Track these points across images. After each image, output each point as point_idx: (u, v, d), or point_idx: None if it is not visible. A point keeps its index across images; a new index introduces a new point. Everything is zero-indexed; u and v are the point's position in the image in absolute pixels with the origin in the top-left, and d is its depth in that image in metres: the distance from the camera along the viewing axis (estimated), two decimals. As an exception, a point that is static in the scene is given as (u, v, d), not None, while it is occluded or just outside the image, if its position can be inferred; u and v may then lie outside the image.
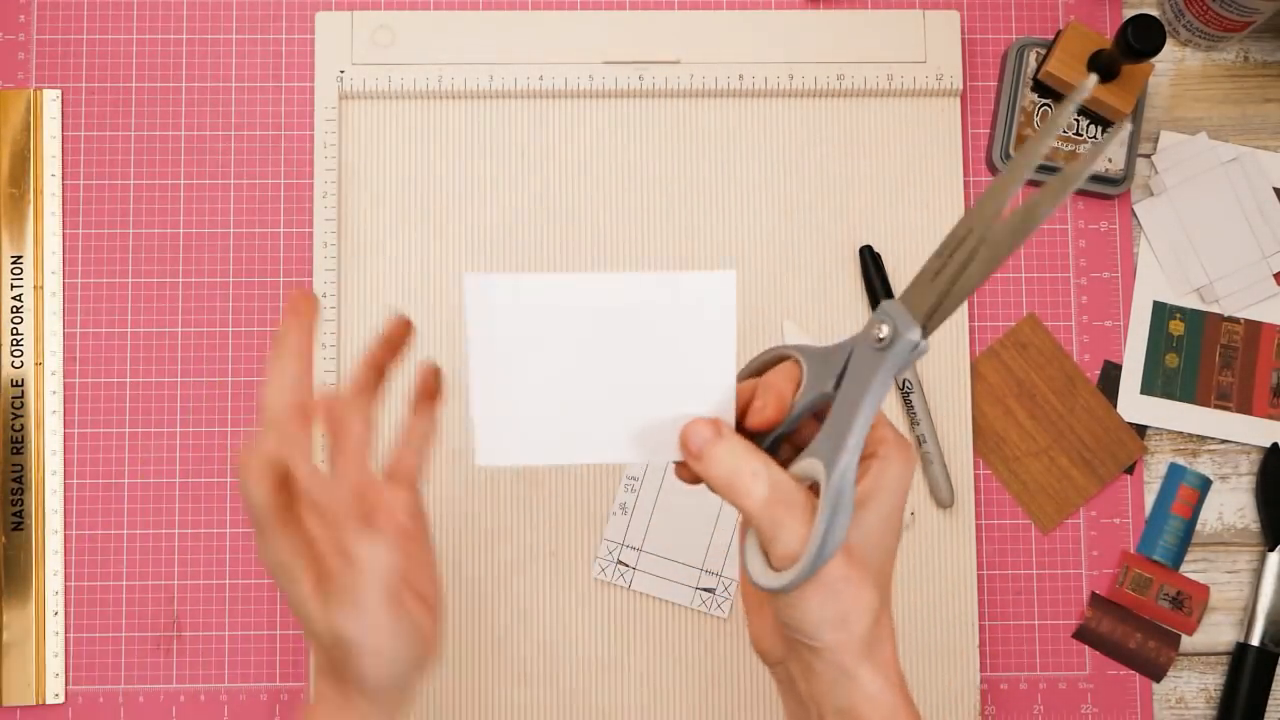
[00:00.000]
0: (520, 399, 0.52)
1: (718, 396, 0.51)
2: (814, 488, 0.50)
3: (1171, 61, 0.84)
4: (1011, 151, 0.81)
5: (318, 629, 0.52)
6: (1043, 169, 0.81)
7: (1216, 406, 0.81)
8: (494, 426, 0.52)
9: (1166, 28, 0.81)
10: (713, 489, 0.50)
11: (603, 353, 0.51)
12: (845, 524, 0.48)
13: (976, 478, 0.80)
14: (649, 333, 0.50)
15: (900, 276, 0.80)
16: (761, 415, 0.51)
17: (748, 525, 0.51)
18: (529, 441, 0.52)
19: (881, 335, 0.50)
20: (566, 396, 0.51)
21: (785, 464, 0.51)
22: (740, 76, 0.81)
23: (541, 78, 0.81)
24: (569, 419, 0.52)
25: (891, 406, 0.80)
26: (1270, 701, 0.79)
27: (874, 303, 0.80)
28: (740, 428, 0.52)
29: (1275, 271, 0.82)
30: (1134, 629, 0.80)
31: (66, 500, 0.78)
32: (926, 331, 0.49)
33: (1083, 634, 0.80)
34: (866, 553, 0.51)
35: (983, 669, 0.79)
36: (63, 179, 0.80)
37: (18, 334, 0.79)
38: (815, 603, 0.49)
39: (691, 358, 0.50)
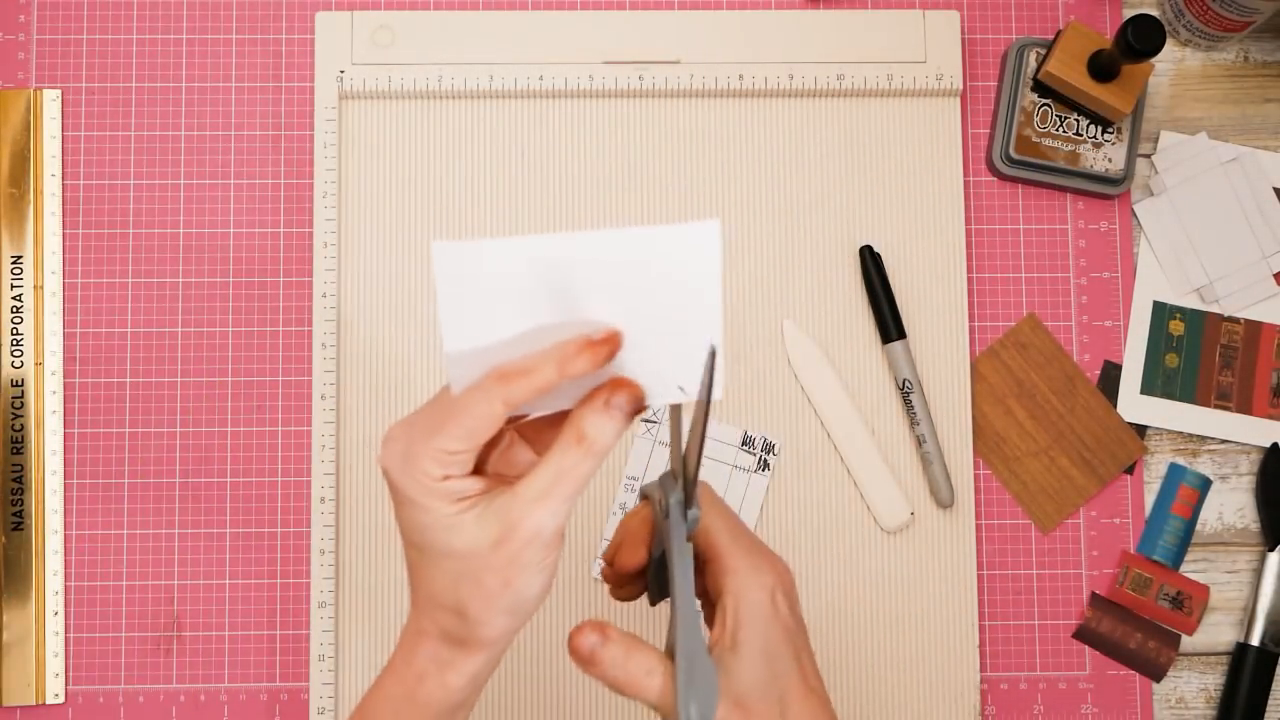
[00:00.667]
0: (496, 349, 0.50)
1: (701, 349, 0.49)
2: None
3: (1171, 61, 0.84)
4: (1012, 151, 0.81)
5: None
6: (1043, 169, 0.81)
7: (1216, 406, 0.81)
8: (466, 369, 0.51)
9: (1166, 28, 0.81)
10: (610, 687, 0.52)
11: (585, 314, 0.49)
12: (710, 697, 0.49)
13: (976, 478, 0.80)
14: (631, 289, 0.48)
15: (900, 276, 0.80)
16: (629, 561, 0.55)
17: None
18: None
19: (658, 501, 0.52)
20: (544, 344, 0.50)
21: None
22: (740, 76, 0.81)
23: (541, 78, 0.81)
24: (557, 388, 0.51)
25: (891, 407, 0.80)
26: (1270, 702, 0.79)
27: (874, 303, 0.80)
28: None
29: (1275, 271, 0.82)
30: (1134, 629, 0.80)
31: (66, 500, 0.78)
32: (689, 497, 0.51)
33: (1083, 634, 0.80)
34: (760, 692, 0.51)
35: (983, 669, 0.79)
36: (63, 179, 0.80)
37: (18, 334, 0.79)
38: None
39: (676, 312, 0.49)
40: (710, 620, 0.55)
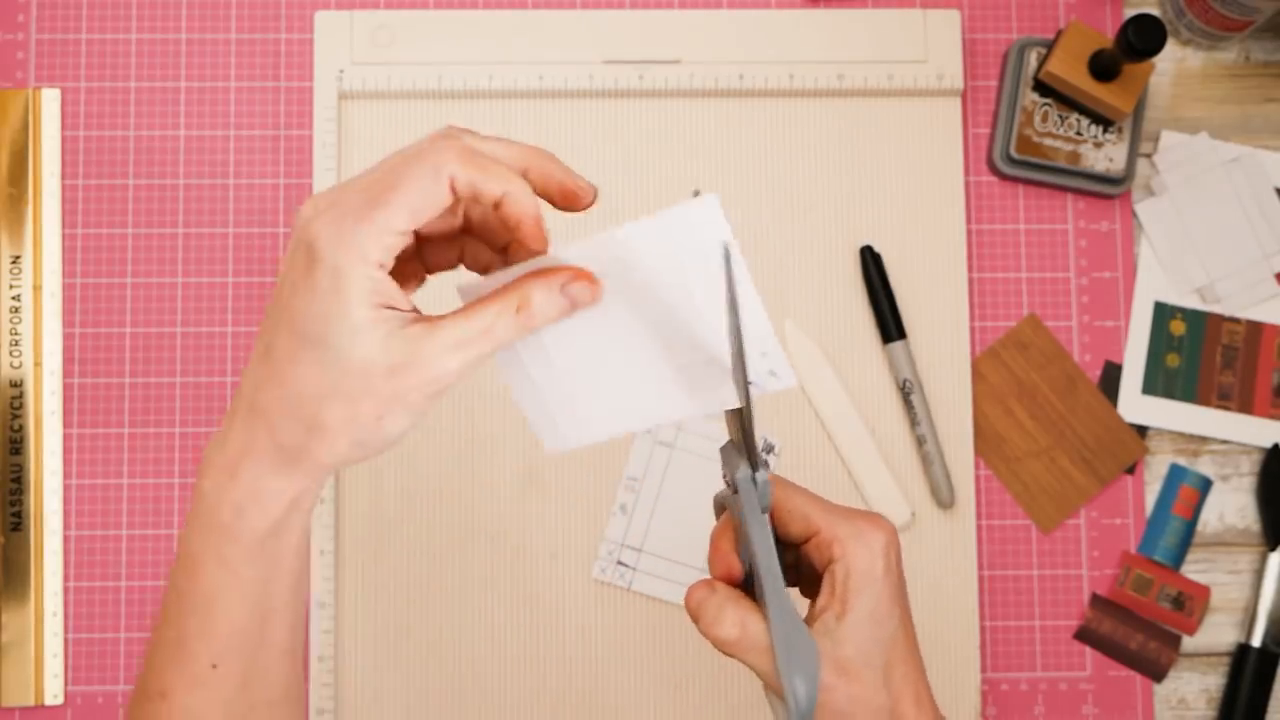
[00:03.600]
0: (553, 384, 0.50)
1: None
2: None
3: (1172, 61, 0.84)
4: (1013, 151, 0.80)
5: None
6: (1044, 169, 0.81)
7: (1217, 407, 0.81)
8: (542, 416, 0.51)
9: (1167, 27, 0.81)
10: (718, 648, 0.51)
11: (614, 316, 0.48)
12: (811, 665, 0.49)
13: (977, 478, 0.80)
14: (651, 282, 0.47)
15: (900, 276, 0.80)
16: (722, 571, 0.53)
17: None
18: (582, 421, 0.51)
19: (729, 481, 0.51)
20: (597, 370, 0.50)
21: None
22: (740, 76, 0.81)
23: (541, 78, 0.81)
24: (610, 391, 0.50)
25: (892, 407, 0.80)
26: (1271, 702, 0.79)
27: (874, 303, 0.80)
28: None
29: (1276, 271, 0.82)
30: (1135, 629, 0.79)
31: (66, 500, 0.78)
32: (754, 463, 0.50)
33: (1083, 634, 0.80)
34: (865, 657, 0.51)
35: (983, 669, 0.79)
36: (62, 179, 0.80)
37: (17, 334, 0.79)
38: None
39: (703, 294, 0.47)
40: (810, 593, 0.54)
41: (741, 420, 0.49)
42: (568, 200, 0.49)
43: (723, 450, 0.52)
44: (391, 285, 0.46)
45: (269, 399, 0.47)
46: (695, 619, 0.51)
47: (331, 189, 0.47)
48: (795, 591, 0.55)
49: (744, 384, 0.48)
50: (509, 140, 0.49)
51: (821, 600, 0.52)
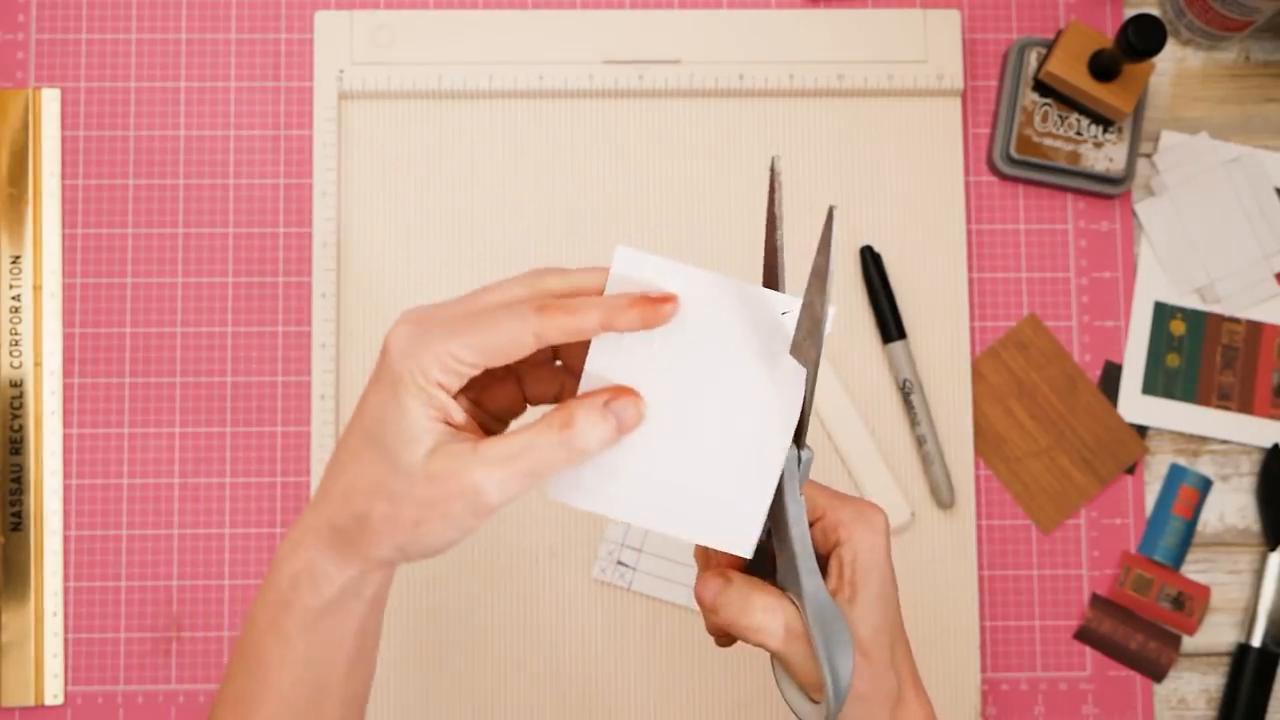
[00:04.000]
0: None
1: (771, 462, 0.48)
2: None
3: (1172, 61, 0.84)
4: (1013, 151, 0.80)
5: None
6: (1044, 169, 0.81)
7: (1217, 407, 0.81)
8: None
9: (1167, 27, 0.81)
10: (735, 635, 0.51)
11: (697, 356, 0.48)
12: (847, 647, 0.48)
13: (977, 478, 0.80)
14: (725, 359, 0.47)
15: (900, 276, 0.80)
16: (729, 560, 0.53)
17: (776, 659, 0.52)
18: (600, 487, 0.50)
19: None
20: (650, 440, 0.49)
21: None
22: (740, 76, 0.81)
23: (541, 78, 0.81)
24: (642, 470, 0.49)
25: (892, 407, 0.80)
26: (1271, 702, 0.79)
27: (874, 303, 0.80)
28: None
29: (1276, 271, 0.82)
30: (1135, 629, 0.79)
31: (66, 500, 0.78)
32: (800, 440, 0.49)
33: (1084, 634, 0.80)
34: (877, 638, 0.51)
35: (983, 669, 0.79)
36: (62, 179, 0.80)
37: (16, 334, 0.79)
38: (853, 714, 0.51)
39: (757, 406, 0.47)
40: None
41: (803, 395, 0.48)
42: (649, 317, 0.48)
43: None
44: (448, 401, 0.48)
45: (331, 485, 0.50)
46: (715, 610, 0.51)
47: (433, 305, 0.49)
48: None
49: (818, 353, 0.47)
50: (594, 268, 0.50)
51: (831, 583, 0.52)
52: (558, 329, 0.47)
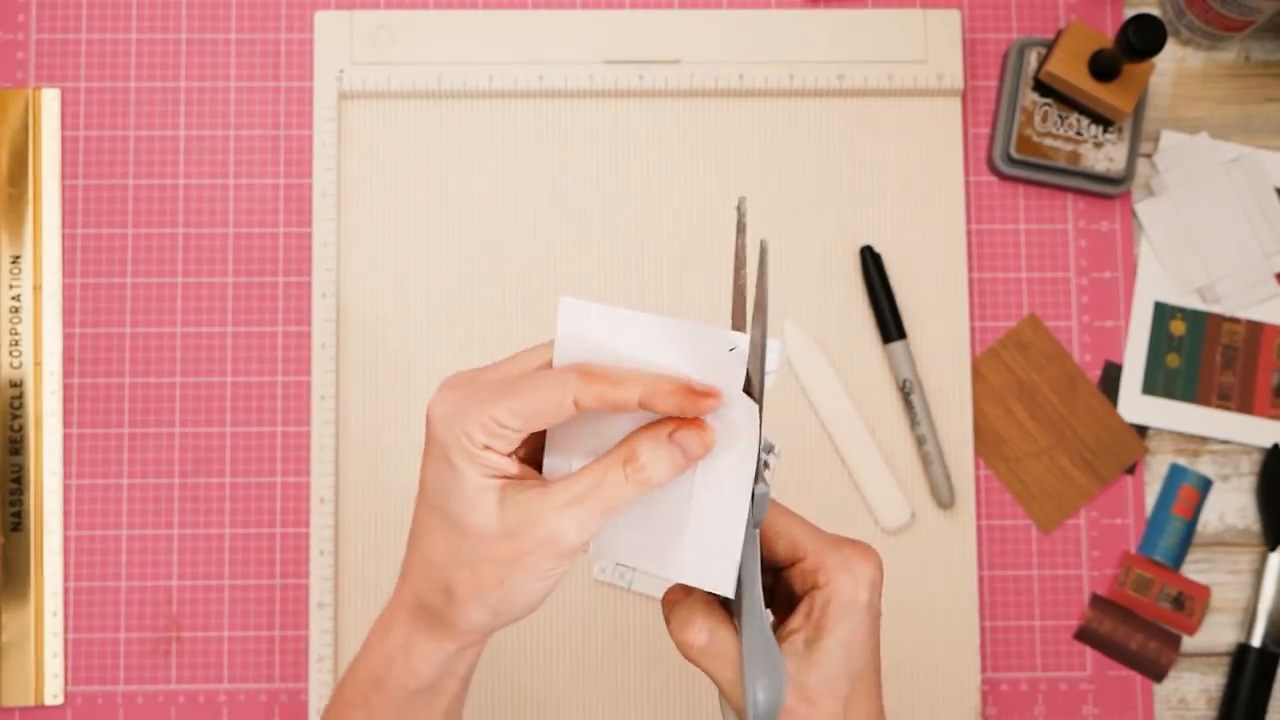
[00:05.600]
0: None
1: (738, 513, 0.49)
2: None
3: (1172, 61, 0.84)
4: (1013, 151, 0.80)
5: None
6: (1044, 169, 0.81)
7: (1217, 407, 0.81)
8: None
9: (1167, 27, 0.81)
10: (684, 655, 0.51)
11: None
12: (776, 682, 0.49)
13: (977, 478, 0.80)
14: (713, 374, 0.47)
15: (900, 276, 0.80)
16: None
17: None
18: (612, 543, 0.51)
19: None
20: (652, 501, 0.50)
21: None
22: (740, 76, 0.81)
23: (541, 78, 0.81)
24: (643, 523, 0.50)
25: (892, 407, 0.80)
26: (1271, 702, 0.79)
27: (874, 303, 0.80)
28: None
29: (1276, 271, 0.82)
30: (1135, 630, 0.79)
31: (66, 500, 0.78)
32: (756, 475, 0.49)
33: (1084, 634, 0.80)
34: (830, 685, 0.50)
35: (983, 669, 0.79)
36: (62, 179, 0.80)
37: (16, 334, 0.79)
38: None
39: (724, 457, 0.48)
40: (782, 612, 0.53)
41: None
42: (688, 406, 0.48)
43: None
44: (500, 459, 0.48)
45: (411, 564, 0.51)
46: (666, 620, 0.51)
47: (474, 371, 0.50)
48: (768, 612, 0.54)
49: (761, 391, 0.48)
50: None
51: (794, 622, 0.51)
52: (596, 397, 0.47)
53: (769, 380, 0.49)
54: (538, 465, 0.51)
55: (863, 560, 0.52)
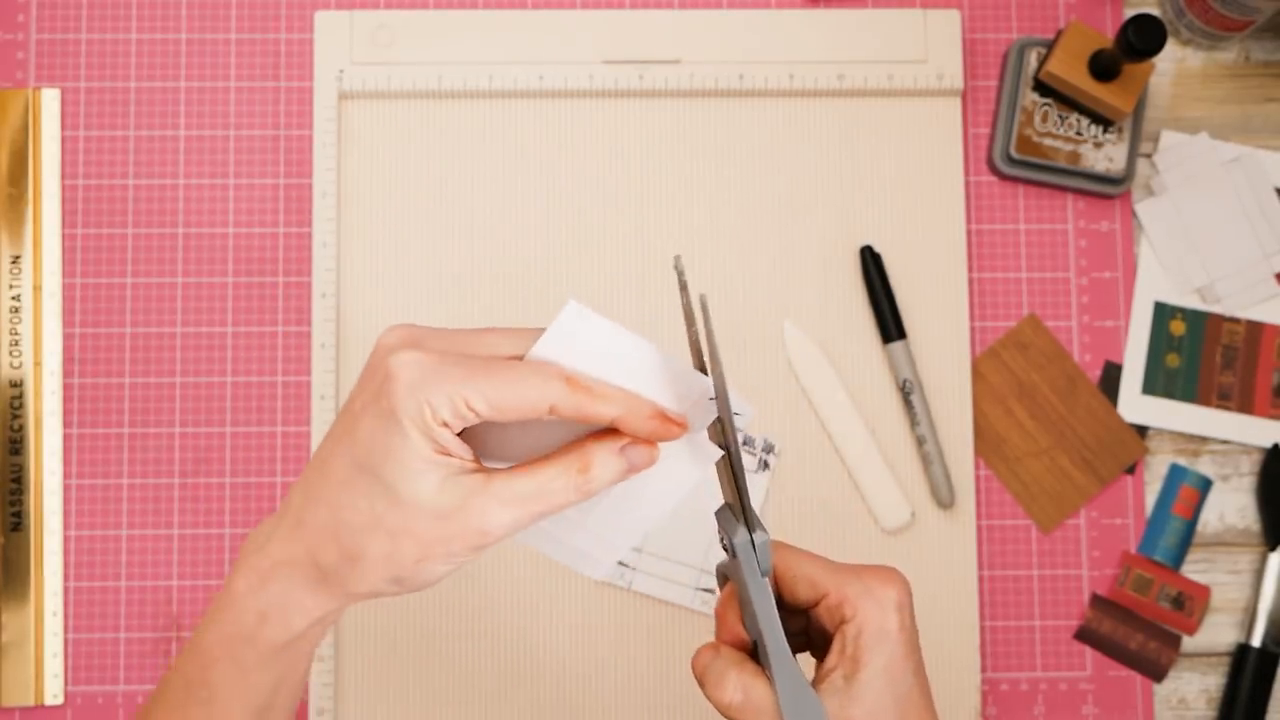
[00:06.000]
0: (579, 527, 0.51)
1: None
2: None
3: (1172, 61, 0.84)
4: (1013, 151, 0.80)
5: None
6: (1044, 169, 0.81)
7: (1217, 407, 0.81)
8: (572, 555, 0.52)
9: (1167, 27, 0.81)
10: (715, 708, 0.51)
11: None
12: None
13: (977, 478, 0.80)
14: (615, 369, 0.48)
15: (900, 276, 0.80)
16: (727, 637, 0.52)
17: None
18: (610, 542, 0.51)
19: (726, 547, 0.51)
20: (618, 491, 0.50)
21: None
22: (740, 76, 0.81)
23: (541, 78, 0.81)
24: (629, 496, 0.50)
25: (892, 407, 0.80)
26: (1271, 702, 0.79)
27: (874, 303, 0.80)
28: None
29: (1276, 271, 0.82)
30: (1135, 629, 0.79)
31: (66, 500, 0.78)
32: (751, 525, 0.49)
33: (1084, 634, 0.80)
34: (875, 717, 0.50)
35: (983, 669, 0.79)
36: (62, 179, 0.80)
37: (16, 334, 0.79)
38: None
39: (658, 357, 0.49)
40: (820, 653, 0.53)
41: (735, 480, 0.49)
42: (659, 432, 0.48)
43: (718, 514, 0.51)
44: (452, 439, 0.46)
45: (315, 517, 0.48)
46: (700, 683, 0.51)
47: (436, 332, 0.48)
48: (806, 654, 0.54)
49: (735, 443, 0.48)
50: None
51: (830, 660, 0.51)
52: (575, 407, 0.46)
53: (740, 422, 0.49)
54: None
55: (885, 585, 0.51)
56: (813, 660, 0.53)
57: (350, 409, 0.48)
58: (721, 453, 0.49)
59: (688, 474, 0.50)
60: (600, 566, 0.52)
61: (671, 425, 0.47)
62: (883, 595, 0.50)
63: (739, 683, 0.50)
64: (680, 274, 0.48)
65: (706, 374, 0.49)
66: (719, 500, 0.52)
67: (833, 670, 0.50)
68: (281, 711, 0.52)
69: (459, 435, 0.47)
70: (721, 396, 0.48)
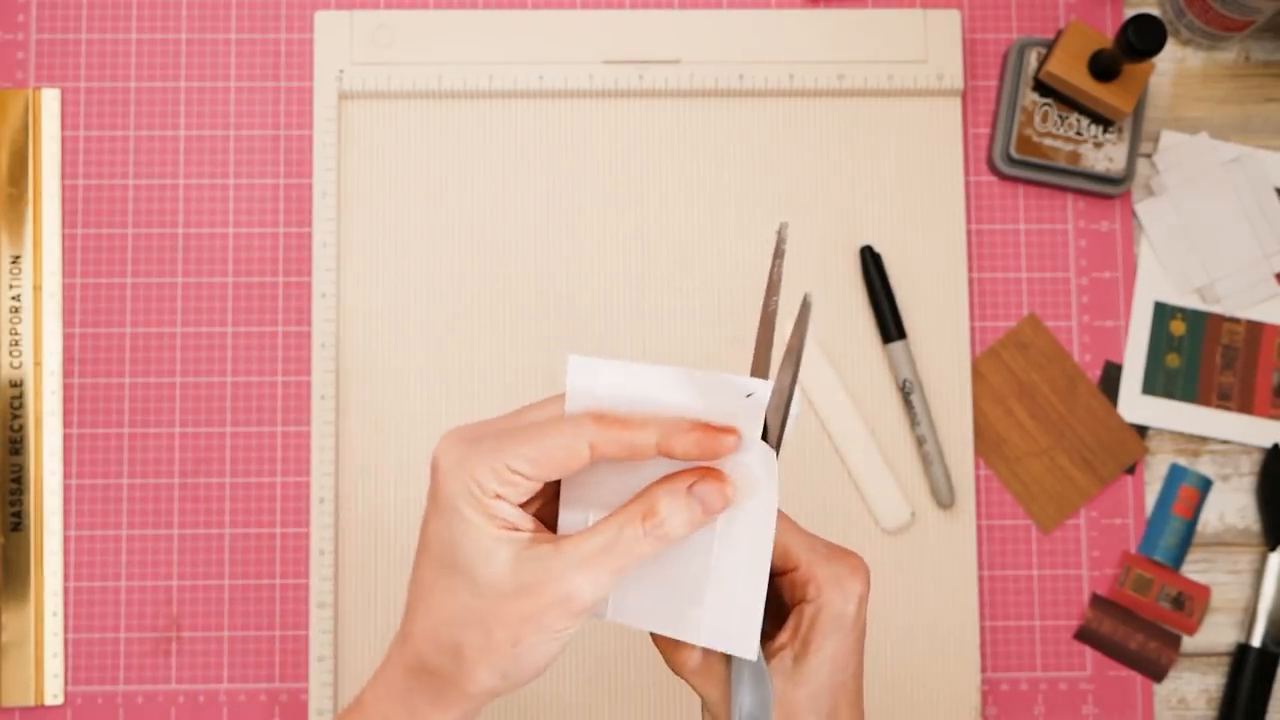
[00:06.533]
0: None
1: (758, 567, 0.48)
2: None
3: (1172, 61, 0.84)
4: (1013, 151, 0.80)
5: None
6: (1044, 169, 0.81)
7: (1217, 407, 0.81)
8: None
9: (1167, 27, 0.81)
10: (676, 672, 0.51)
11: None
12: (762, 701, 0.48)
13: (977, 478, 0.80)
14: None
15: (900, 276, 0.80)
16: None
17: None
18: (630, 605, 0.50)
19: None
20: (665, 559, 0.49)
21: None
22: (740, 76, 0.81)
23: (541, 78, 0.81)
24: (658, 583, 0.49)
25: (892, 407, 0.80)
26: (1271, 702, 0.79)
27: (874, 303, 0.80)
28: None
29: (1276, 271, 0.82)
30: (1135, 629, 0.79)
31: (66, 500, 0.78)
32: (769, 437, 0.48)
33: (1084, 634, 0.80)
34: (815, 701, 0.50)
35: (983, 669, 0.79)
36: (62, 179, 0.80)
37: (16, 334, 0.79)
38: None
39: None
40: (770, 619, 0.52)
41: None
42: (708, 448, 0.46)
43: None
44: (512, 510, 0.46)
45: (412, 626, 0.48)
46: (655, 639, 0.51)
47: (479, 422, 0.48)
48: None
49: (780, 438, 0.47)
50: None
51: (782, 638, 0.51)
52: (612, 442, 0.45)
53: (789, 428, 0.47)
54: (550, 523, 0.50)
55: (852, 575, 0.50)
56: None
57: (423, 521, 0.48)
58: (775, 452, 0.47)
59: (765, 489, 0.47)
60: (744, 637, 0.48)
61: (718, 434, 0.46)
62: (849, 584, 0.50)
63: (696, 646, 0.50)
64: (781, 240, 0.47)
65: (767, 353, 0.48)
66: None
67: (783, 649, 0.50)
68: None
69: (538, 516, 0.47)
70: (782, 393, 0.46)
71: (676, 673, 0.51)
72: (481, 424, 0.48)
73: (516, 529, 0.46)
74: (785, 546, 0.51)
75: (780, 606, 0.52)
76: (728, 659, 0.50)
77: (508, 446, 0.45)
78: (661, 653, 0.51)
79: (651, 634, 0.51)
